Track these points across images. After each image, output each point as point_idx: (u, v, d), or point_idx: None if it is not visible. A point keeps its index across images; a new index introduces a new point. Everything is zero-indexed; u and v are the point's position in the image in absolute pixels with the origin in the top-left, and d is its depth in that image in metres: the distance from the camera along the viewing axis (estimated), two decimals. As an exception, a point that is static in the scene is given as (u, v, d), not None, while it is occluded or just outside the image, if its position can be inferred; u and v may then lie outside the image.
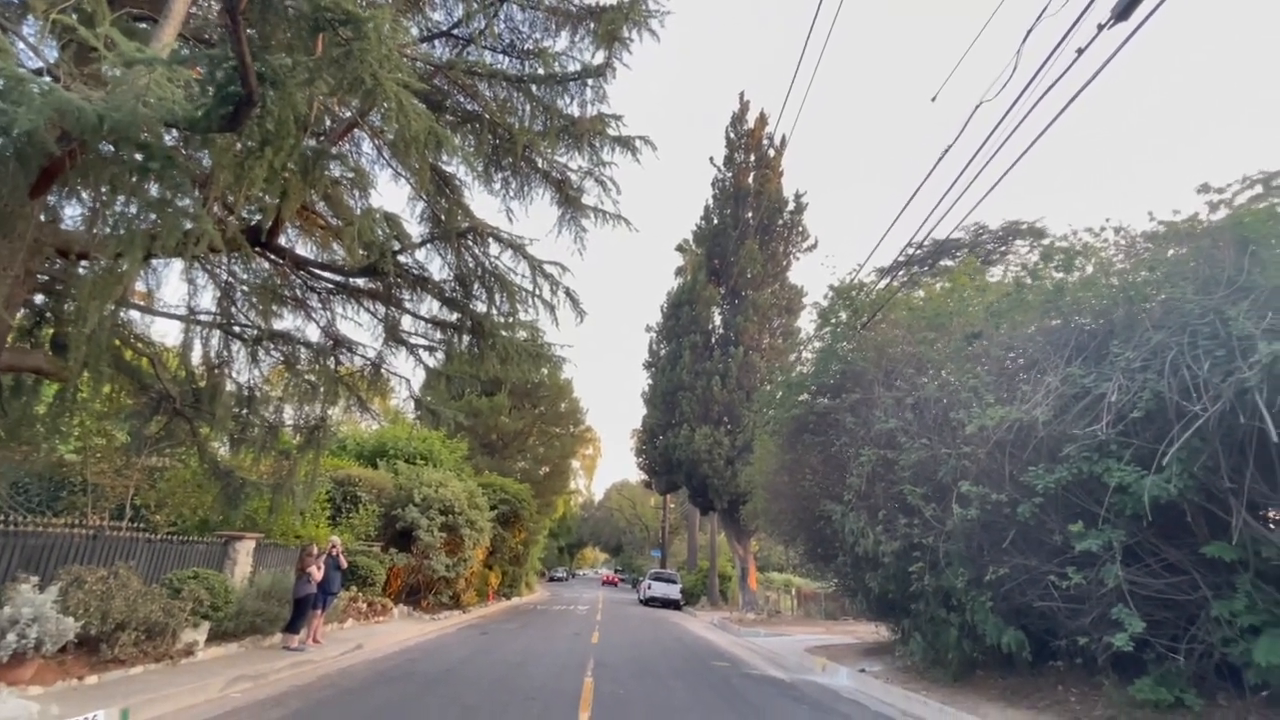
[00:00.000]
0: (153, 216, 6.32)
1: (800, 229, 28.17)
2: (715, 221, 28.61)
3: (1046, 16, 6.00)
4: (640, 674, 10.05)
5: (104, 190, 7.03)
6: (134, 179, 6.06)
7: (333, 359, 12.69)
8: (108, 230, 7.00)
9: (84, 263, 8.33)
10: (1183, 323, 5.37)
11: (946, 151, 7.66)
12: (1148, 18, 5.40)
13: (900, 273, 27.91)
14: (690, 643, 15.79)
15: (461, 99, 9.84)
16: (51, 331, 9.35)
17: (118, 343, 9.29)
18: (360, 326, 12.82)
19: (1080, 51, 5.93)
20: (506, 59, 9.84)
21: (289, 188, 7.05)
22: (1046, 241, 17.39)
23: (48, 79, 5.40)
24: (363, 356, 13.03)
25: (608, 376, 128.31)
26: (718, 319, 27.60)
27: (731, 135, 29.79)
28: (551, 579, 61.58)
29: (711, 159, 29.88)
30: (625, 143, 10.50)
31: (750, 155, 29.43)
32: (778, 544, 18.30)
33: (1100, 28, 5.74)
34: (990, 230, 27.72)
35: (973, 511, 7.00)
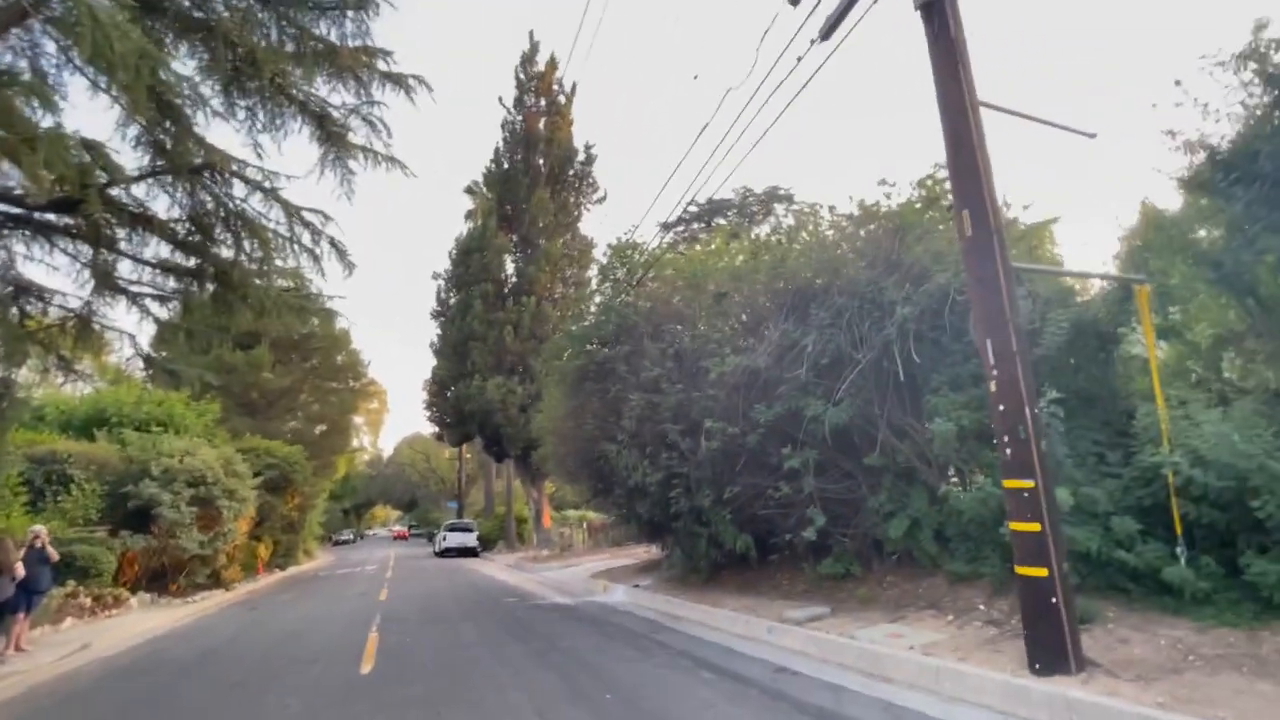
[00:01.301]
0: None
1: (590, 180, 28.77)
2: (506, 166, 27.88)
3: (774, 28, 7.07)
4: (429, 620, 10.31)
5: None
6: None
7: (15, 309, 10.32)
8: None
9: None
10: (855, 290, 7.04)
11: (704, 129, 8.67)
12: (843, 40, 6.66)
13: (680, 227, 30.36)
14: (483, 585, 16.34)
15: (186, 4, 8.32)
16: None
17: None
18: (58, 270, 10.53)
19: (799, 59, 7.12)
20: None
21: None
22: (796, 206, 20.12)
23: None
24: (63, 307, 10.76)
25: (396, 326, 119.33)
26: (510, 267, 27.36)
27: (521, 76, 28.89)
28: (336, 543, 57.41)
29: (500, 99, 28.79)
30: (397, 80, 9.89)
31: (541, 99, 28.92)
32: (566, 484, 19.48)
33: (812, 42, 6.91)
34: (755, 193, 31.32)
35: (715, 443, 8.41)
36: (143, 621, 12.11)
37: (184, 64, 8.90)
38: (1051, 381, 6.15)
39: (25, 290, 10.33)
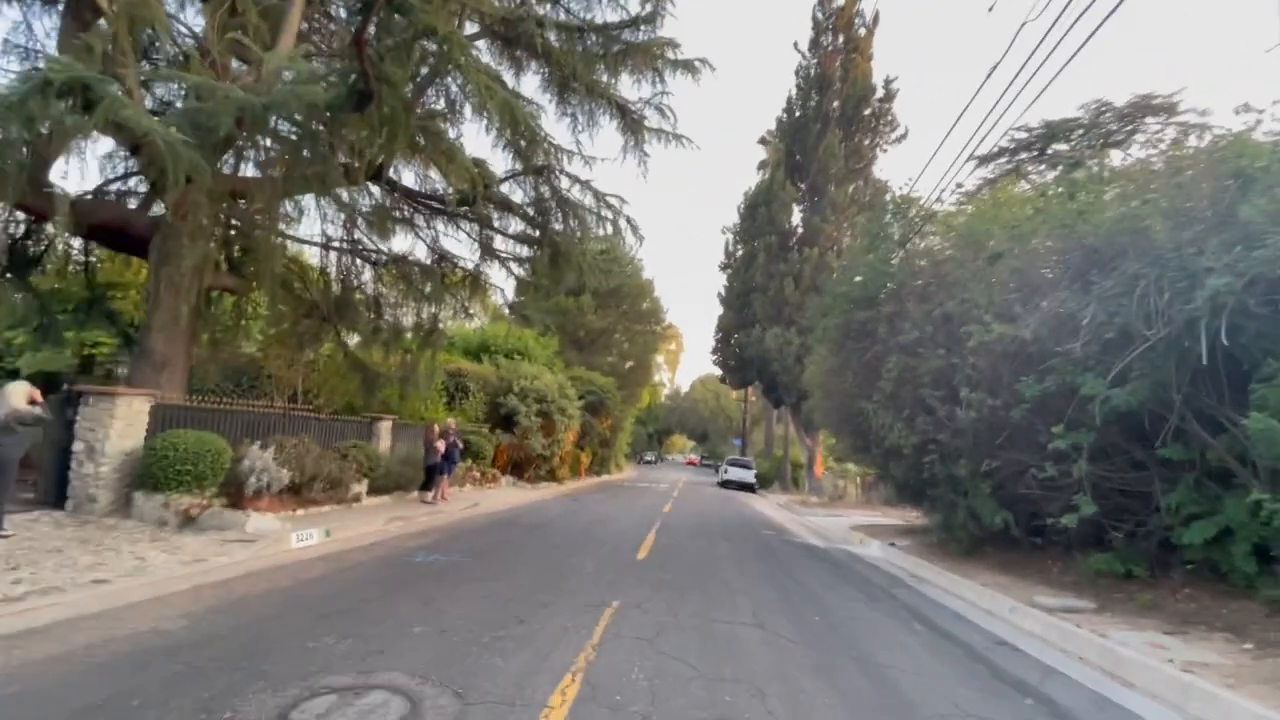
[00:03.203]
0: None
1: (889, 118, 26.74)
2: (797, 114, 27.66)
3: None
4: (695, 534, 12.27)
5: (265, 147, 8.99)
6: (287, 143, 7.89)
7: (439, 272, 14.89)
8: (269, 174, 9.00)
9: (243, 201, 10.58)
10: (1156, 254, 5.96)
11: (998, 63, 7.99)
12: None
13: (1004, 159, 26.12)
14: (750, 517, 18.03)
15: (533, 35, 10.80)
16: (227, 258, 11.90)
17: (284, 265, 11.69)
18: (460, 243, 14.86)
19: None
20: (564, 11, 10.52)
21: (395, 138, 8.65)
22: (1180, 117, 16.05)
23: (229, 83, 7.17)
24: (464, 269, 15.16)
25: (696, 275, 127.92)
26: (797, 217, 27.49)
27: (819, 15, 27.87)
28: (642, 461, 66.79)
29: (796, 44, 28.37)
30: (685, 65, 11.18)
31: (839, 37, 27.58)
32: (832, 436, 19.73)
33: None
34: (1114, 107, 24.96)
35: (973, 413, 8.08)
36: (508, 496, 16.90)
37: (532, 78, 11.71)
38: None
39: (443, 257, 14.96)
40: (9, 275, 10.13)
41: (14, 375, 13.38)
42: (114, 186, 11.77)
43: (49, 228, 9.62)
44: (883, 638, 5.78)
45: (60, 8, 10.80)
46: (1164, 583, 7.19)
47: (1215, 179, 5.90)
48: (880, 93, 26.53)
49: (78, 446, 8.02)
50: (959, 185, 17.30)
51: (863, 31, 27.03)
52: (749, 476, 32.49)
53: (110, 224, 8.99)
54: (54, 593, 4.92)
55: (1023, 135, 24.26)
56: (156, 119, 6.47)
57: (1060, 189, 7.40)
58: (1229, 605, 6.38)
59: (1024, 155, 25.21)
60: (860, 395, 11.24)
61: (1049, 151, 23.94)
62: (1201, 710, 4.45)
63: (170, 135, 5.67)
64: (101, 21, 8.40)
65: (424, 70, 7.26)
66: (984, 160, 20.79)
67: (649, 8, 9.36)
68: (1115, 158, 13.38)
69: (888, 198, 11.43)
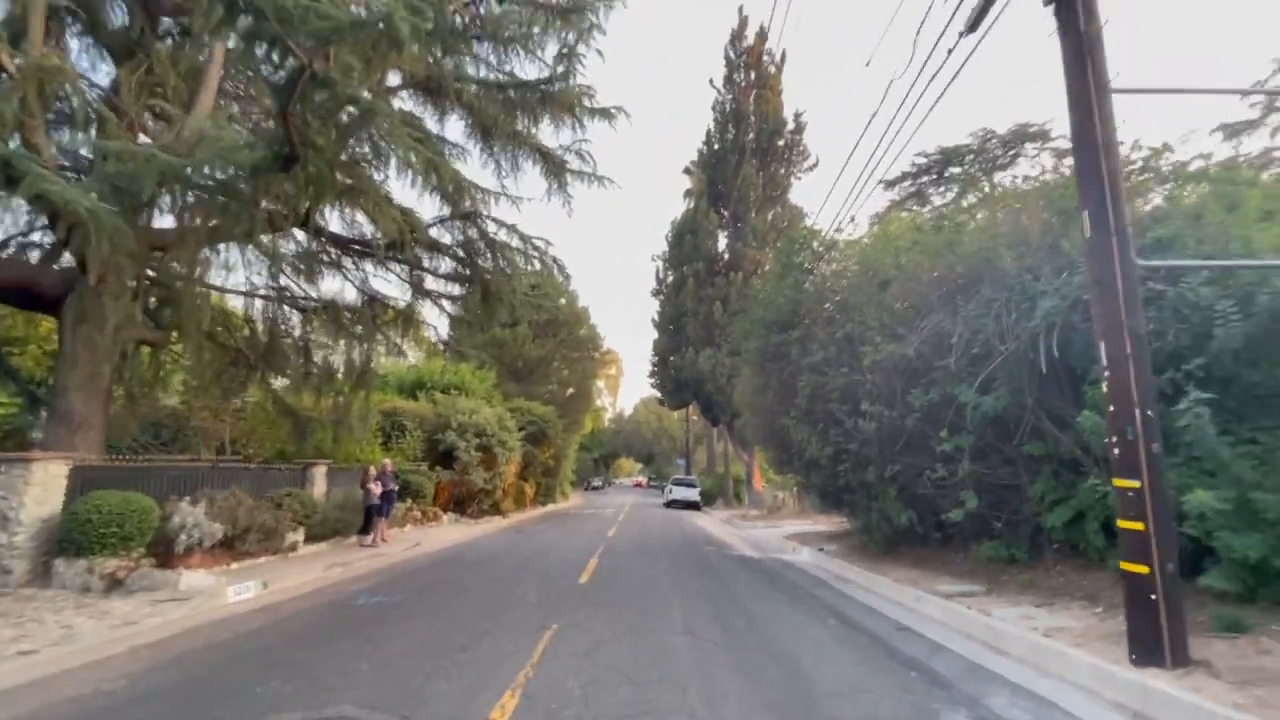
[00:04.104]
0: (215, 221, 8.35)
1: (800, 149, 28.62)
2: (716, 146, 29.18)
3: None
4: (638, 554, 12.71)
5: (186, 203, 9.03)
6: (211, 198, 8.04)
7: (370, 313, 14.93)
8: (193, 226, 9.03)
9: (163, 253, 10.47)
10: (1005, 281, 7.03)
11: (874, 115, 9.10)
12: (988, 30, 6.71)
13: (907, 183, 28.36)
14: (692, 534, 18.62)
15: (455, 87, 11.29)
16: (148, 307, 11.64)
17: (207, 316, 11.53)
18: (390, 284, 15.01)
19: (950, 51, 7.27)
20: (488, 46, 11.11)
21: (321, 194, 8.91)
22: (1053, 143, 17.99)
23: (149, 145, 7.30)
24: (395, 309, 15.25)
25: (633, 301, 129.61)
26: (721, 244, 28.84)
27: (730, 54, 29.67)
28: (588, 488, 66.53)
29: (711, 81, 30.00)
30: (603, 112, 11.94)
31: (750, 74, 29.41)
32: (761, 451, 20.69)
33: (960, 34, 7.02)
34: (998, 135, 27.66)
35: (873, 424, 9.00)
36: (450, 533, 16.82)
37: (456, 123, 12.20)
38: (1230, 377, 5.73)
39: (373, 298, 15.02)
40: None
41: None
42: (13, 240, 11.37)
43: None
44: (798, 634, 6.42)
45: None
46: (1040, 563, 8.21)
47: (1045, 216, 7.03)
48: (791, 125, 28.41)
49: (-12, 516, 7.73)
50: (875, 213, 18.76)
51: (772, 69, 28.94)
52: (693, 495, 33.19)
53: (18, 283, 8.75)
54: (-20, 667, 4.88)
55: (922, 160, 26.61)
56: (76, 185, 6.53)
57: (931, 222, 8.51)
58: (1088, 577, 7.39)
59: (925, 179, 27.60)
60: (780, 412, 12.10)
61: (946, 174, 26.42)
62: (1055, 667, 5.28)
63: (94, 204, 5.79)
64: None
65: (346, 121, 7.60)
66: (890, 184, 22.70)
67: (561, 67, 10.03)
68: (1002, 179, 15.02)
69: (796, 231, 12.46)
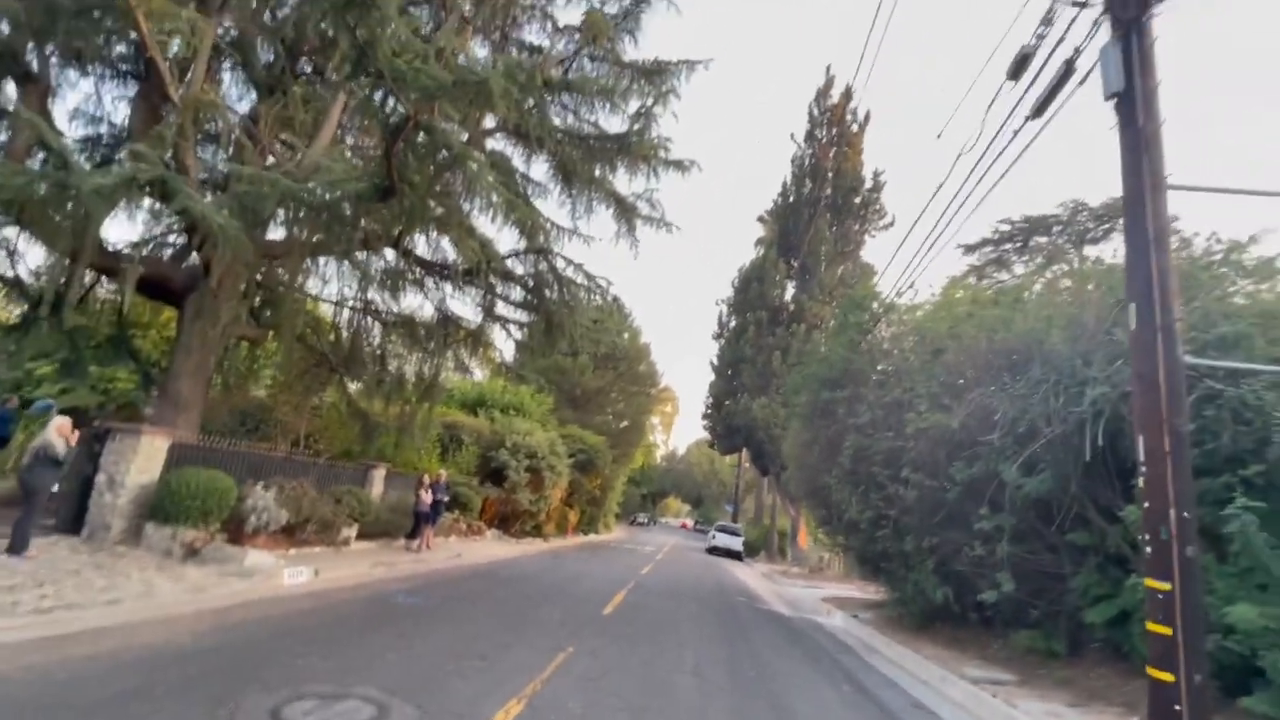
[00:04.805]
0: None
1: (877, 207, 28.55)
2: (791, 198, 29.55)
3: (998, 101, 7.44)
4: (666, 595, 12.77)
5: (297, 219, 10.16)
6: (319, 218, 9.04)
7: (443, 331, 15.98)
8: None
9: (273, 261, 11.73)
10: (1055, 362, 6.94)
11: (941, 185, 9.25)
12: (1052, 116, 6.84)
13: (989, 249, 27.68)
14: (727, 583, 18.38)
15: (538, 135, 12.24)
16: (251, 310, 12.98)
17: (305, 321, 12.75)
18: (464, 305, 16.04)
19: (1015, 132, 7.41)
20: (576, 97, 11.98)
21: (413, 223, 9.82)
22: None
23: (274, 170, 8.41)
24: (466, 328, 16.26)
25: (694, 344, 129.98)
26: (788, 295, 28.90)
27: (814, 111, 30.20)
28: (633, 522, 66.25)
29: (792, 135, 30.61)
30: (676, 164, 12.58)
31: (832, 130, 29.79)
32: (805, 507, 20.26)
33: (1026, 118, 7.17)
34: (1089, 207, 26.69)
35: (914, 493, 8.89)
36: (491, 548, 17.37)
37: (541, 164, 13.17)
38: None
39: (448, 317, 16.08)
40: (49, 316, 11.19)
41: (28, 405, 14.30)
42: (153, 240, 13.06)
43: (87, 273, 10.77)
44: (808, 693, 6.40)
45: (129, 86, 12.38)
46: (1081, 661, 7.79)
47: (1103, 301, 6.95)
48: (869, 184, 28.45)
49: (100, 478, 8.83)
50: (952, 276, 18.52)
51: (854, 128, 29.23)
52: (736, 544, 32.60)
53: (153, 278, 10.08)
54: (76, 608, 5.65)
55: (1007, 227, 25.92)
56: (212, 202, 7.64)
57: (989, 293, 8.49)
58: (1131, 683, 6.97)
59: (1008, 246, 26.86)
60: (824, 469, 12.04)
61: (1030, 244, 25.62)
62: (1069, 768, 5.08)
63: (226, 220, 6.80)
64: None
65: (440, 162, 8.47)
66: (970, 249, 22.27)
67: (639, 125, 10.75)
68: (1093, 252, 14.58)
69: (856, 291, 12.57)
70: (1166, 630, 4.66)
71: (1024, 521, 7.76)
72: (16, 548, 7.00)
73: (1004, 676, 7.73)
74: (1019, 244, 25.97)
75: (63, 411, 10.53)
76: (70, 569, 7.14)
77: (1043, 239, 24.86)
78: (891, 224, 28.77)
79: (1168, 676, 4.62)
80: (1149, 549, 4.86)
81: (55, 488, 7.64)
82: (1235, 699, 5.36)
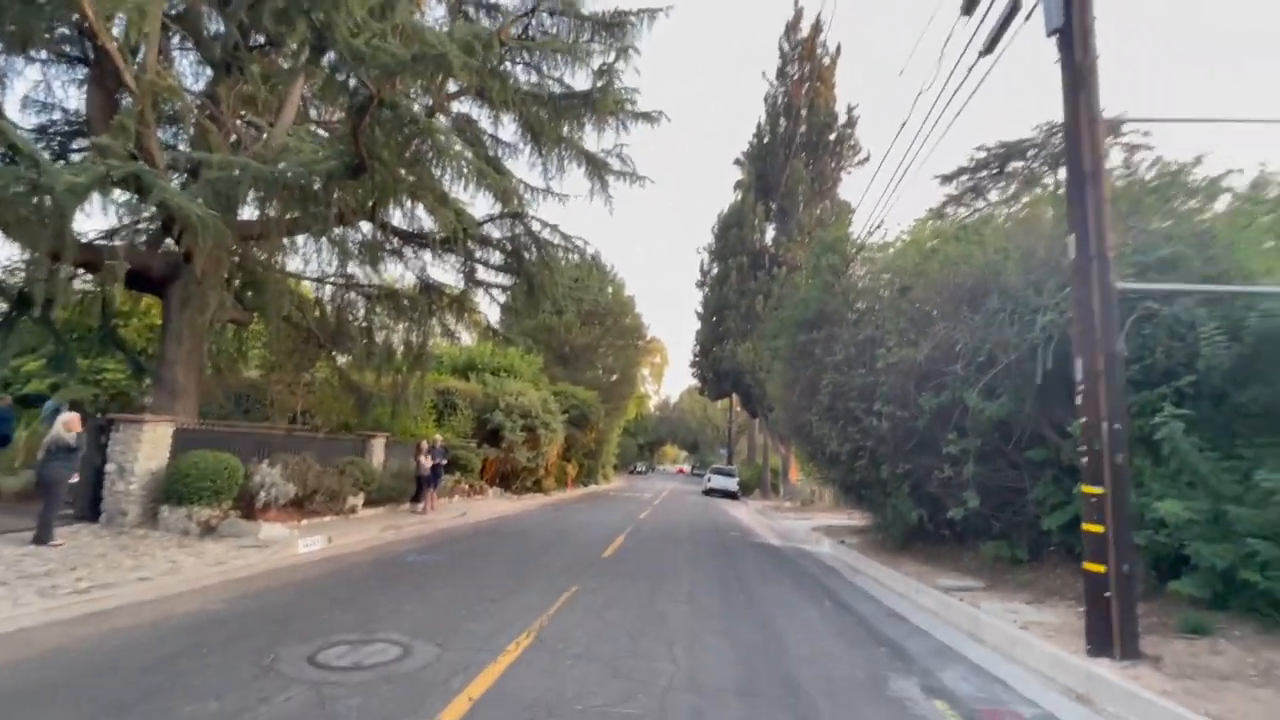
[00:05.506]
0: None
1: (852, 143, 28.37)
2: (766, 139, 29.24)
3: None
4: (662, 536, 13.50)
5: (273, 204, 10.21)
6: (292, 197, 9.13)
7: (425, 296, 16.14)
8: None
9: (250, 242, 11.77)
10: (1010, 293, 7.35)
11: (903, 125, 9.42)
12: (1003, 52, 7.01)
13: (965, 177, 27.75)
14: (722, 521, 19.27)
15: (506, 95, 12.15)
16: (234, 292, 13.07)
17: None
18: (445, 273, 16.16)
19: (970, 69, 7.58)
20: (537, 55, 11.86)
21: (385, 197, 9.91)
22: (1125, 137, 17.65)
23: (244, 156, 8.44)
24: (449, 295, 16.43)
25: (682, 291, 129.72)
26: (768, 238, 28.98)
27: (785, 46, 29.56)
28: (632, 472, 67.88)
29: (764, 73, 30.07)
30: (645, 116, 12.58)
31: (804, 66, 29.23)
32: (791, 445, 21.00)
33: (980, 53, 7.32)
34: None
35: (886, 423, 9.43)
36: (493, 506, 18.05)
37: (509, 125, 13.12)
38: (1220, 395, 5.99)
39: (430, 286, 16.21)
40: (35, 316, 11.28)
41: (22, 402, 14.48)
42: (125, 230, 12.97)
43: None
44: (791, 611, 7.05)
45: (78, 70, 12.07)
46: (1043, 564, 8.53)
47: (1054, 230, 7.30)
48: (843, 119, 28.18)
49: (110, 467, 9.18)
50: (930, 208, 18.58)
51: (826, 61, 28.70)
52: (732, 484, 33.73)
53: (133, 269, 10.16)
54: (110, 587, 6.10)
55: (982, 154, 25.94)
56: (185, 192, 7.71)
57: (952, 228, 8.79)
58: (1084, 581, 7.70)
59: (984, 173, 26.93)
60: (805, 408, 12.58)
61: (1007, 169, 25.72)
62: (1020, 654, 5.75)
63: (203, 211, 6.92)
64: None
65: (407, 134, 8.53)
66: (947, 178, 22.35)
67: (604, 80, 10.72)
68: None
69: (827, 232, 12.81)
70: (1099, 528, 5.24)
71: (988, 443, 8.33)
72: (43, 538, 7.41)
73: (973, 584, 8.45)
74: (995, 170, 26.04)
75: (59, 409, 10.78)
76: (97, 553, 7.57)
77: (1019, 164, 25.03)
78: (866, 159, 28.69)
79: (1099, 568, 5.22)
80: (1084, 459, 5.39)
81: (74, 479, 7.98)
82: (1167, 584, 6.02)
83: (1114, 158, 8.54)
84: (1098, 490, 5.26)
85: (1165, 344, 6.29)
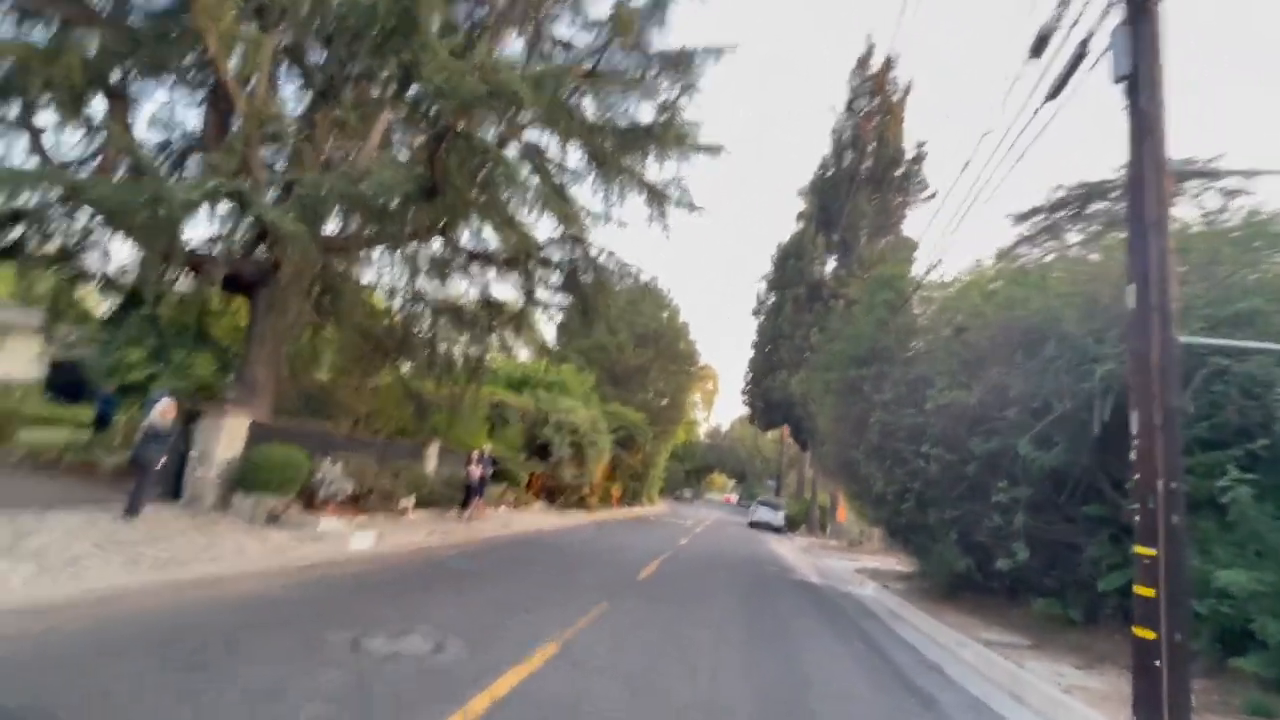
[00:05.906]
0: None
1: (919, 180, 27.91)
2: (830, 172, 29.15)
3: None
4: (699, 566, 13.44)
5: (355, 219, 11.03)
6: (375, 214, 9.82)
7: (487, 316, 16.87)
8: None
9: (331, 254, 12.67)
10: (1070, 340, 7.11)
11: (965, 167, 9.35)
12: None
13: (1040, 218, 26.77)
14: (763, 555, 18.94)
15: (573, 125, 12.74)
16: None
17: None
18: (506, 289, 16.85)
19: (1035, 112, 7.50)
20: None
21: (456, 219, 10.52)
22: (1221, 182, 16.92)
23: (332, 175, 9.22)
24: (509, 312, 17.09)
25: (736, 318, 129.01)
26: (827, 270, 28.71)
27: (854, 81, 29.53)
28: (677, 498, 67.36)
29: (833, 107, 30.03)
30: (707, 148, 12.90)
31: (873, 99, 29.10)
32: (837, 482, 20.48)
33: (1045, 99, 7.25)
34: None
35: (934, 466, 9.19)
36: (537, 519, 18.40)
37: (572, 155, 13.74)
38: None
39: (491, 302, 16.93)
40: (145, 310, 12.51)
41: (124, 390, 15.97)
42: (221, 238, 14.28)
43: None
44: (821, 648, 6.95)
45: (197, 94, 13.47)
46: (1097, 628, 8.06)
47: (1122, 278, 7.04)
48: (911, 154, 27.80)
49: (193, 453, 10.02)
50: (1000, 248, 18.12)
51: (896, 97, 28.49)
52: (778, 518, 32.99)
53: (228, 273, 11.19)
54: (187, 563, 6.67)
55: (1060, 194, 24.93)
56: (278, 207, 8.51)
57: (1014, 271, 8.56)
58: (1141, 648, 7.24)
59: (1061, 214, 25.87)
60: (853, 445, 12.37)
61: (1088, 210, 24.58)
62: (1061, 717, 5.49)
63: (295, 226, 7.65)
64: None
65: (479, 163, 9.12)
66: (1022, 218, 21.65)
67: (666, 114, 11.12)
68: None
69: (884, 268, 12.69)
70: (1150, 592, 4.98)
71: (1040, 493, 8.01)
72: (133, 512, 8.16)
73: (1019, 641, 8.08)
74: (1074, 210, 25.02)
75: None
76: (176, 530, 8.28)
77: (1100, 205, 23.89)
78: (933, 196, 28.11)
79: (1150, 634, 4.95)
80: (1137, 517, 5.16)
81: (163, 460, 8.78)
82: (1230, 660, 5.63)
83: (1209, 202, 8.10)
84: (1150, 552, 5.02)
85: (1238, 402, 5.97)
